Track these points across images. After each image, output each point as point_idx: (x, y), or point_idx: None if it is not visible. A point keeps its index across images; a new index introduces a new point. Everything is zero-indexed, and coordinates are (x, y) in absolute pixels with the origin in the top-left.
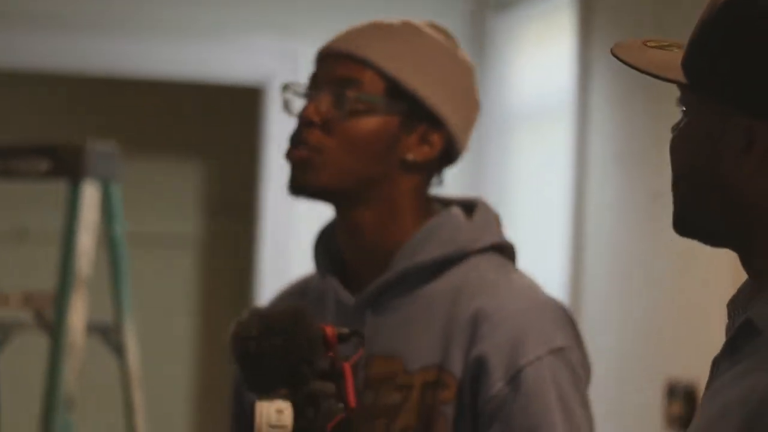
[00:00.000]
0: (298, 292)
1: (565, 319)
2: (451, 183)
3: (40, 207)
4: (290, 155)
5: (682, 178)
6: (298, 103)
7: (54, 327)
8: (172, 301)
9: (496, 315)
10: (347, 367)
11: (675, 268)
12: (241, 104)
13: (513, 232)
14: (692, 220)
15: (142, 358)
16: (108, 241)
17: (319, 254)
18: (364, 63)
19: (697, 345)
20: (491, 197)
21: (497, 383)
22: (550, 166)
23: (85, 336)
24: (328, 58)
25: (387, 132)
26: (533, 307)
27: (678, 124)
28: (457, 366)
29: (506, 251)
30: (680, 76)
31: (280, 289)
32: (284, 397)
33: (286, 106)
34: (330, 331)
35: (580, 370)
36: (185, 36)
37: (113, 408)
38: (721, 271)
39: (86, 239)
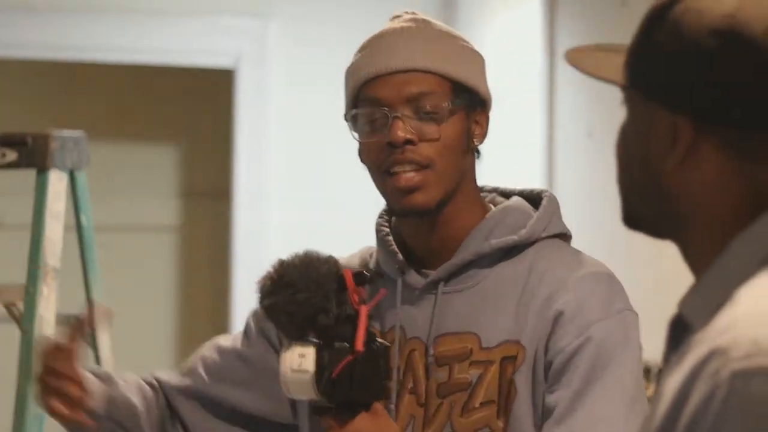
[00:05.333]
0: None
1: (622, 287)
2: None
3: (13, 196)
4: (397, 181)
5: (622, 173)
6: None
7: (24, 320)
8: (149, 289)
9: (569, 281)
10: (363, 310)
11: (650, 248)
12: (211, 87)
13: None
14: (634, 214)
15: (119, 348)
16: (76, 230)
17: (393, 244)
18: (427, 72)
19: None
20: None
21: (569, 336)
22: (520, 144)
23: (55, 328)
24: (389, 79)
25: (464, 127)
26: (599, 274)
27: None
28: (528, 334)
29: (567, 238)
30: (619, 77)
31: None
32: (310, 343)
33: (356, 133)
34: (348, 274)
35: (635, 330)
36: (153, 17)
37: None
38: None
39: (54, 229)
